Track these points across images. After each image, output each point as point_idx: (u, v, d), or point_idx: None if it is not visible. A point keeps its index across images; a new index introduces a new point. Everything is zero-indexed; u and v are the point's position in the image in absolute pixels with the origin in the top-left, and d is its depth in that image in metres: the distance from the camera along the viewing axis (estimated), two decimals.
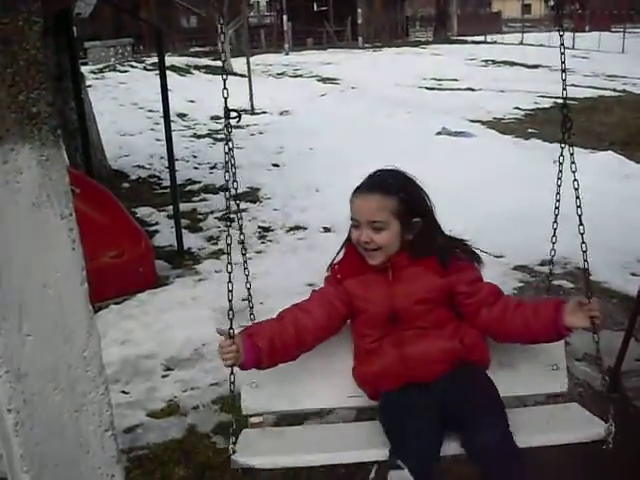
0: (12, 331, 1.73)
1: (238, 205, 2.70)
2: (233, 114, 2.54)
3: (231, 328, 2.43)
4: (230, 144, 2.50)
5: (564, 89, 2.70)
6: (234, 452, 2.44)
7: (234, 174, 2.57)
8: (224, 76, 2.49)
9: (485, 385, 2.49)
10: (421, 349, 2.49)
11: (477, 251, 2.65)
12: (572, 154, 2.63)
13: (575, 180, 2.60)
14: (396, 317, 2.51)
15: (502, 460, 2.26)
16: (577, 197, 2.62)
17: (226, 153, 2.50)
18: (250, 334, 2.49)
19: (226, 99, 2.48)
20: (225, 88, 2.45)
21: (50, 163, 1.72)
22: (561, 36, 2.70)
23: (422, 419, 2.34)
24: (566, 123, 2.69)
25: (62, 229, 1.78)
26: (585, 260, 2.58)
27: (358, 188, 2.59)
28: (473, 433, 2.28)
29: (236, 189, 2.59)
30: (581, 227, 2.61)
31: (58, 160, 1.74)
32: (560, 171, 2.74)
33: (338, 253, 2.69)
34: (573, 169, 2.61)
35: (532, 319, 2.45)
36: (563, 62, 2.72)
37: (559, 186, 2.78)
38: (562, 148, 2.70)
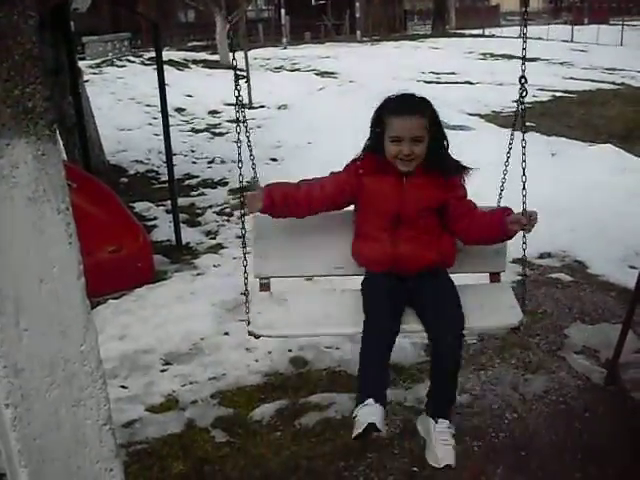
0: (9, 326, 1.73)
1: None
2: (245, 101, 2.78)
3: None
4: (244, 131, 3.11)
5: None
6: (248, 323, 3.06)
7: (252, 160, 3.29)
8: (235, 69, 3.10)
9: (450, 289, 3.06)
10: (411, 251, 3.01)
11: (468, 166, 3.11)
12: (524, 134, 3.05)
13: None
14: (400, 218, 3.00)
15: (453, 357, 2.87)
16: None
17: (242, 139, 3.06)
18: (270, 189, 3.06)
19: (238, 91, 3.18)
20: (237, 81, 3.10)
21: (46, 158, 1.72)
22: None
23: (392, 301, 2.97)
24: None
25: (59, 224, 1.78)
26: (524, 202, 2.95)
27: (398, 109, 2.96)
28: (436, 329, 2.90)
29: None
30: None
31: (54, 155, 1.74)
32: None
33: (357, 157, 3.12)
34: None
35: (486, 226, 3.00)
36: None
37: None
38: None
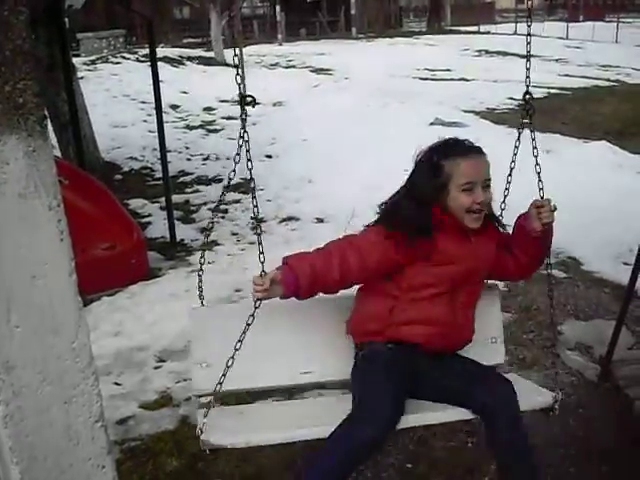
0: (0, 323, 1.72)
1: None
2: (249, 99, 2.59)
3: (263, 271, 2.47)
4: (245, 136, 2.63)
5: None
6: (201, 432, 2.45)
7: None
8: (237, 63, 2.63)
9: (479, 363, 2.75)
10: (465, 319, 2.71)
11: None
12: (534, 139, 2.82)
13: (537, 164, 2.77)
14: (471, 276, 2.65)
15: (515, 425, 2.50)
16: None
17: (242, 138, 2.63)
18: (293, 266, 2.49)
19: (243, 79, 2.60)
20: (238, 74, 2.58)
21: (37, 154, 1.71)
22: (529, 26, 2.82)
23: (398, 388, 2.51)
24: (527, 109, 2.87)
25: (50, 220, 1.77)
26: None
27: (465, 151, 2.62)
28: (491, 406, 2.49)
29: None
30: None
31: (45, 151, 1.73)
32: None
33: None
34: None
35: (522, 248, 2.70)
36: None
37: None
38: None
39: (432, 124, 11.47)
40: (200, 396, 2.74)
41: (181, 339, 4.62)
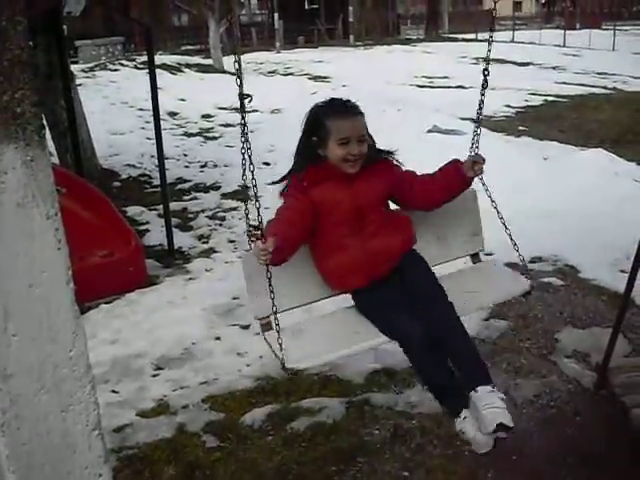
0: None
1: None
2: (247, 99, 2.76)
3: (262, 235, 2.75)
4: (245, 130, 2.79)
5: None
6: (282, 362, 2.74)
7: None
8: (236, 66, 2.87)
9: (427, 270, 3.11)
10: (381, 243, 3.03)
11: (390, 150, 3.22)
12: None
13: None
14: (361, 212, 3.01)
15: (457, 333, 2.89)
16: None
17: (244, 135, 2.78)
18: (276, 236, 2.77)
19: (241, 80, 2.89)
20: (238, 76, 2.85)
21: (35, 163, 1.72)
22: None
23: (398, 310, 2.93)
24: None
25: (48, 229, 1.78)
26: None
27: (341, 112, 3.01)
28: (430, 317, 2.86)
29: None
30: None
31: (43, 160, 1.74)
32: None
33: (293, 175, 3.11)
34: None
35: (445, 183, 3.08)
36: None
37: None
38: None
39: (430, 131, 11.48)
40: (260, 318, 3.03)
41: (179, 346, 4.64)
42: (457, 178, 3.05)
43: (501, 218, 3.20)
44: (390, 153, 3.20)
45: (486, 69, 3.24)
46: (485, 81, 3.23)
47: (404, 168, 3.21)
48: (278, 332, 2.82)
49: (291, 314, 3.15)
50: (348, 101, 3.07)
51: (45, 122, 8.63)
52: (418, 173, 3.20)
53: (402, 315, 2.89)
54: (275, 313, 2.82)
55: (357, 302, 3.14)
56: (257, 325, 3.08)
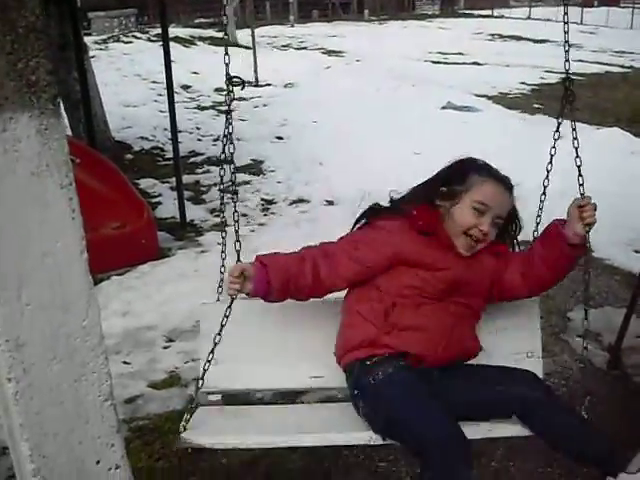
0: (11, 300, 1.73)
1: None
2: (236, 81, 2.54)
3: (238, 260, 2.47)
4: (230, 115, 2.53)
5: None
6: (184, 429, 2.40)
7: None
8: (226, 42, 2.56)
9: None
10: (463, 330, 2.50)
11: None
12: (574, 129, 2.67)
13: (577, 157, 2.63)
14: (459, 287, 2.44)
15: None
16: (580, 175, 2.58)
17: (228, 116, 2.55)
18: (266, 265, 2.38)
19: (227, 65, 2.50)
20: (226, 54, 2.48)
21: (49, 132, 1.71)
22: None
23: (438, 403, 2.29)
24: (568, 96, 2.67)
25: (62, 198, 1.77)
26: None
27: (497, 175, 2.53)
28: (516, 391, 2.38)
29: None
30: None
31: (57, 129, 1.73)
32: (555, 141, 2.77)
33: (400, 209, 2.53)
34: (575, 145, 2.65)
35: (548, 257, 2.45)
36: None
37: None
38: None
39: (444, 108, 11.43)
40: (209, 393, 2.68)
41: (190, 319, 4.64)
42: (559, 245, 2.42)
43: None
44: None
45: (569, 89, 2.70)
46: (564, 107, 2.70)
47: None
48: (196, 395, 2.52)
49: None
50: (508, 178, 2.57)
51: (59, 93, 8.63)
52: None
53: (437, 407, 2.27)
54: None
55: (377, 373, 2.36)
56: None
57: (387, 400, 2.30)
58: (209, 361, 2.45)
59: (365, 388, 2.37)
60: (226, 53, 2.49)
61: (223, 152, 2.55)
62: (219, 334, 2.44)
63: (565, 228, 2.41)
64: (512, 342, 2.76)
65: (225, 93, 2.52)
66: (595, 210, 2.39)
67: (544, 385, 2.54)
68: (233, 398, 2.85)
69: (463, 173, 2.50)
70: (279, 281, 2.37)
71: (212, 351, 2.44)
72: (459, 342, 2.48)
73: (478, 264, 2.49)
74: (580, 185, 2.50)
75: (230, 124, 2.51)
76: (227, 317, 2.44)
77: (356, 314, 2.48)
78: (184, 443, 2.39)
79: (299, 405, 3.16)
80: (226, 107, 2.50)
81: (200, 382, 2.51)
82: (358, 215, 2.62)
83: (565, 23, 2.60)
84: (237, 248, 2.51)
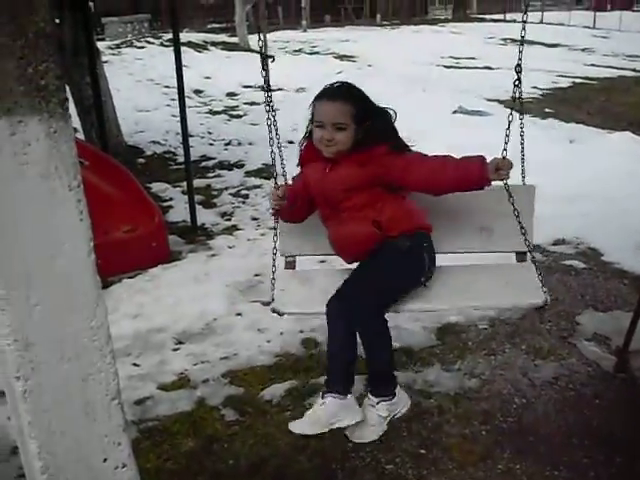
0: (20, 301, 1.76)
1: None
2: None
3: (276, 182, 3.07)
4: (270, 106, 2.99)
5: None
6: (273, 299, 3.08)
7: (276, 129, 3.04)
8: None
9: (382, 261, 3.00)
10: (346, 231, 3.03)
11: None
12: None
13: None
14: (327, 200, 3.07)
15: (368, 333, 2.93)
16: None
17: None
18: (290, 189, 3.11)
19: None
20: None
21: (58, 135, 1.74)
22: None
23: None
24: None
25: (70, 200, 1.80)
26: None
27: (321, 95, 3.04)
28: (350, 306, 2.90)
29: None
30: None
31: (66, 132, 1.76)
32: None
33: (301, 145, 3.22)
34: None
35: (459, 175, 2.87)
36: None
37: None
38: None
39: (455, 112, 11.42)
40: (286, 256, 3.41)
41: (200, 322, 4.68)
42: (474, 175, 2.84)
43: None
44: (392, 138, 3.07)
45: None
46: None
47: (409, 153, 3.05)
48: (273, 273, 3.13)
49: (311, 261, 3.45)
50: (341, 85, 3.08)
51: (71, 98, 8.70)
52: (433, 154, 3.02)
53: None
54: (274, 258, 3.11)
55: None
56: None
57: None
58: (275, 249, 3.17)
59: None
60: (264, 56, 3.00)
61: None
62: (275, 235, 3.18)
63: (486, 168, 2.81)
64: (507, 222, 3.12)
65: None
66: (510, 168, 2.80)
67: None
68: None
69: (312, 104, 3.08)
70: (295, 201, 3.13)
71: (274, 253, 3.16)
72: (357, 238, 3.02)
73: (341, 175, 3.02)
74: (504, 150, 2.83)
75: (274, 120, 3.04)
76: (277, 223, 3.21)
77: None
78: (276, 311, 3.04)
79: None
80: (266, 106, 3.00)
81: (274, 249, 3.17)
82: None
83: (524, 22, 3.07)
84: (279, 172, 3.11)
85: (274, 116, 3.00)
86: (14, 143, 1.68)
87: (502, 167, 2.78)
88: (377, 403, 2.94)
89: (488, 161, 2.82)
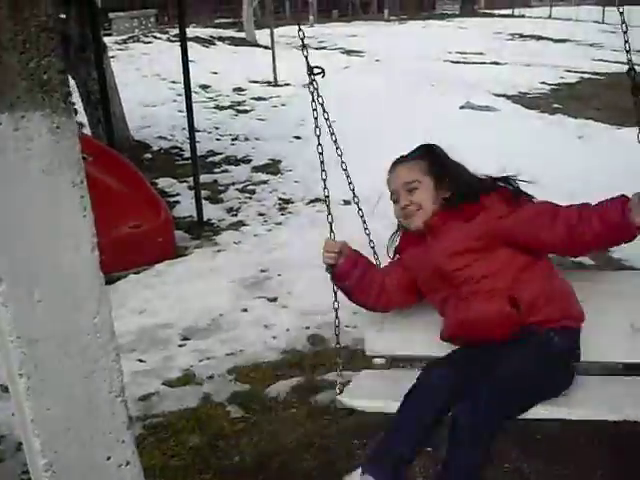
0: (23, 297, 1.75)
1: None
2: (317, 70, 2.83)
3: (332, 231, 2.72)
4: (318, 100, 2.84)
5: None
6: (341, 392, 2.62)
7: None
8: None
9: (526, 361, 2.40)
10: (469, 310, 2.50)
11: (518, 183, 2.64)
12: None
13: None
14: (442, 276, 2.56)
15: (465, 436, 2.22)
16: None
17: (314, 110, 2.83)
18: (356, 254, 2.72)
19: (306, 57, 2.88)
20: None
21: (61, 130, 1.72)
22: None
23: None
24: None
25: (73, 196, 1.78)
26: None
27: (389, 168, 2.77)
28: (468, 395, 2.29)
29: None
30: None
31: (69, 127, 1.74)
32: None
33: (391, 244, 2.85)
34: None
35: (600, 228, 2.29)
36: None
37: None
38: None
39: (462, 108, 11.38)
40: (373, 357, 2.94)
41: (206, 317, 4.67)
42: (618, 224, 2.25)
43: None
44: (493, 184, 2.63)
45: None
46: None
47: (532, 202, 2.57)
48: (341, 367, 2.75)
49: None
50: (399, 158, 2.78)
51: (78, 93, 8.70)
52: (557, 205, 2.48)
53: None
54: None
55: None
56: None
57: None
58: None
59: None
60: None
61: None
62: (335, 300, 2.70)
63: (631, 210, 2.23)
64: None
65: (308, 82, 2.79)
66: None
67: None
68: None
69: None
70: (361, 270, 2.69)
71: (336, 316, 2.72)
72: (487, 321, 2.50)
73: (448, 240, 2.56)
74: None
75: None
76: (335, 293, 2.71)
77: None
78: (340, 405, 2.60)
79: None
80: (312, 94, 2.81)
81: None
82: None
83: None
84: (330, 221, 2.75)
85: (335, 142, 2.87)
86: (16, 138, 1.66)
87: None
88: None
89: (630, 202, 2.24)
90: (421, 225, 2.62)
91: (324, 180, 2.77)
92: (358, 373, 2.89)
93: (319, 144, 2.72)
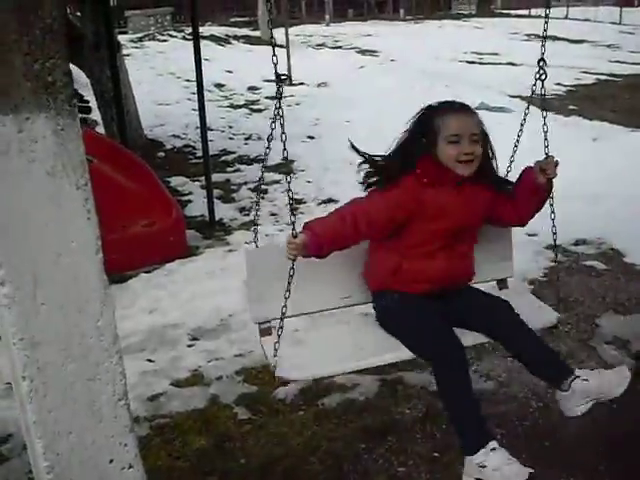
0: (26, 299, 1.75)
1: None
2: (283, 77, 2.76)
3: (294, 229, 2.70)
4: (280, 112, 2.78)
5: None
6: (275, 367, 2.74)
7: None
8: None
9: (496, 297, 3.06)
10: (463, 267, 3.01)
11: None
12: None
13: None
14: (461, 231, 2.90)
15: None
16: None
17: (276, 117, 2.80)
18: (314, 231, 2.73)
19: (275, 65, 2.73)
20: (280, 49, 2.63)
21: (65, 133, 1.72)
22: None
23: (445, 321, 2.83)
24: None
25: (77, 199, 1.78)
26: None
27: (449, 107, 2.86)
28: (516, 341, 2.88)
29: None
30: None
31: (73, 130, 1.74)
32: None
33: (408, 166, 2.85)
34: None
35: (525, 196, 2.92)
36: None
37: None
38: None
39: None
40: (260, 323, 3.00)
41: (215, 318, 4.66)
42: (532, 187, 2.89)
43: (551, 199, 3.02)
44: (508, 187, 3.05)
45: None
46: None
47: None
48: (279, 337, 2.77)
49: (291, 320, 3.03)
50: (463, 103, 2.93)
51: (92, 91, 8.73)
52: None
53: (445, 329, 2.80)
54: (282, 318, 2.77)
55: (391, 306, 2.96)
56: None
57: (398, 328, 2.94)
58: (288, 291, 2.74)
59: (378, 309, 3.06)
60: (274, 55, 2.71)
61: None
62: (288, 290, 2.73)
63: (532, 177, 2.89)
64: (488, 251, 3.22)
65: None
66: (556, 166, 2.86)
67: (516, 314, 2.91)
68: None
69: (426, 121, 2.85)
70: (329, 243, 2.75)
71: (285, 305, 2.75)
72: (458, 277, 3.02)
73: (476, 201, 2.90)
74: (546, 147, 2.95)
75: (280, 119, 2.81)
76: (292, 277, 2.72)
77: (378, 260, 3.03)
78: (283, 380, 2.84)
79: (347, 322, 3.26)
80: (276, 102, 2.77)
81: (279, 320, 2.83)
82: (367, 174, 3.04)
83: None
84: (292, 220, 2.72)
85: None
86: (21, 140, 1.66)
87: (546, 167, 2.84)
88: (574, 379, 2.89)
89: (533, 169, 2.89)
90: (470, 174, 2.80)
91: (288, 183, 2.84)
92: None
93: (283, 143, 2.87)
